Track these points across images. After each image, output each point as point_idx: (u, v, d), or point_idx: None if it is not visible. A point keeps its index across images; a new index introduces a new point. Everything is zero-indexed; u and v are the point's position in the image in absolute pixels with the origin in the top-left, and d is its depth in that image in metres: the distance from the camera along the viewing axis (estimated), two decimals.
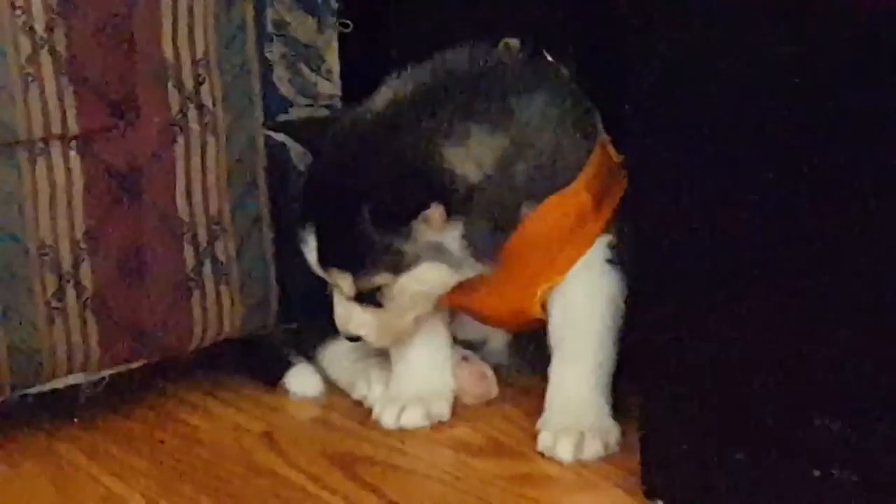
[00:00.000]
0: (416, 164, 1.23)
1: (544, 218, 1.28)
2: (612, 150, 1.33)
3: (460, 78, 1.29)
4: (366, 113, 1.29)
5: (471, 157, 1.24)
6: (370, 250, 1.24)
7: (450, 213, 1.23)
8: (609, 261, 1.31)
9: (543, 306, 1.33)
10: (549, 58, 1.34)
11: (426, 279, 1.26)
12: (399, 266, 1.25)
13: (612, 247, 1.31)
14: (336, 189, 1.26)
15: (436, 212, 1.22)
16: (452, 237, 1.25)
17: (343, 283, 1.27)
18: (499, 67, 1.31)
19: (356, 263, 1.25)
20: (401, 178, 1.22)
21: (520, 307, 1.34)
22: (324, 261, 1.27)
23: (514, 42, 1.35)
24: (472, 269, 1.27)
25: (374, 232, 1.23)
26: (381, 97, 1.30)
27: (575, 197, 1.29)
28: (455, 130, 1.24)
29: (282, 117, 1.45)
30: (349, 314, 1.30)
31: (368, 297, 1.28)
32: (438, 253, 1.25)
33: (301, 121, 1.42)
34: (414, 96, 1.27)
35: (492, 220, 1.26)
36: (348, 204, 1.24)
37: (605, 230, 1.31)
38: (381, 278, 1.26)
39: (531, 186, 1.27)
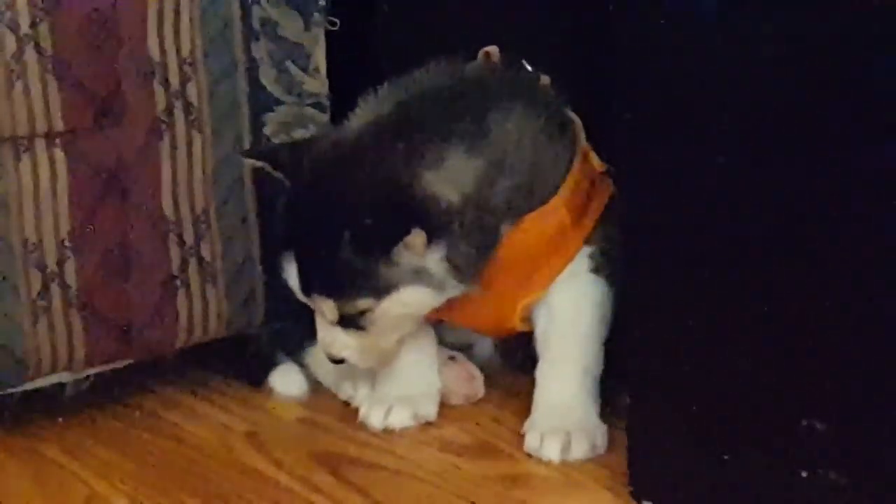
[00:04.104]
0: (396, 189, 1.22)
1: (523, 236, 1.28)
2: (594, 158, 1.33)
3: (436, 97, 1.28)
4: (343, 137, 1.28)
5: (449, 179, 1.24)
6: (352, 276, 1.24)
7: (431, 238, 1.23)
8: (593, 270, 1.31)
9: (524, 319, 1.33)
10: (528, 66, 1.34)
11: (409, 302, 1.26)
12: (381, 290, 1.25)
13: (594, 257, 1.31)
14: (316, 216, 1.25)
15: (417, 237, 1.22)
16: (434, 260, 1.24)
17: (326, 309, 1.27)
18: (475, 84, 1.30)
19: (338, 289, 1.25)
20: (381, 204, 1.22)
21: (500, 321, 1.34)
22: (306, 287, 1.27)
23: (494, 50, 1.35)
24: (454, 290, 1.26)
25: (355, 259, 1.23)
26: (358, 119, 1.29)
27: (553, 214, 1.29)
28: (432, 153, 1.24)
29: (268, 116, 1.45)
30: (332, 338, 1.30)
31: (351, 321, 1.28)
32: (421, 276, 1.24)
33: (278, 146, 1.41)
34: (390, 118, 1.27)
35: (473, 240, 1.25)
36: (329, 231, 1.23)
37: (587, 242, 1.31)
38: (363, 303, 1.26)
39: (510, 206, 1.27)
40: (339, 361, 1.32)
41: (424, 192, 1.23)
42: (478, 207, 1.25)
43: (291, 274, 1.27)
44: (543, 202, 1.28)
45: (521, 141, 1.28)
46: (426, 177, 1.23)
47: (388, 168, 1.23)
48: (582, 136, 1.33)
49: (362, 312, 1.26)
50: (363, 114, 1.30)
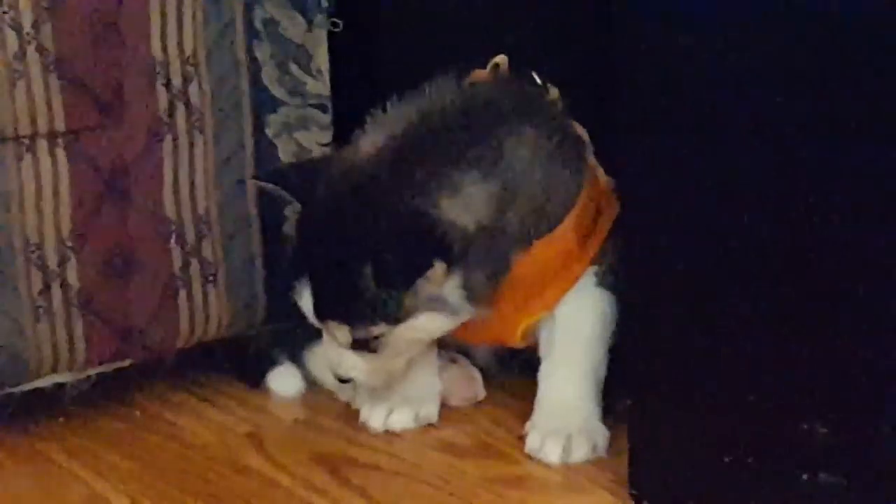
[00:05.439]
0: (416, 220, 1.22)
1: (531, 262, 1.27)
2: (601, 175, 1.32)
3: (449, 119, 1.27)
4: (356, 160, 1.27)
5: (465, 206, 1.23)
6: (370, 305, 1.23)
7: (450, 268, 1.23)
8: (598, 285, 1.31)
9: (525, 336, 1.33)
10: (537, 78, 1.33)
11: (424, 328, 1.26)
12: (398, 318, 1.25)
13: (599, 273, 1.31)
14: (333, 244, 1.24)
15: (438, 270, 1.22)
16: (451, 288, 1.24)
17: (339, 334, 1.27)
18: (487, 104, 1.29)
19: (355, 317, 1.25)
20: (403, 236, 1.21)
21: (501, 338, 1.35)
22: (320, 313, 1.27)
23: (503, 60, 1.34)
24: (468, 315, 1.27)
25: (375, 289, 1.22)
26: (369, 140, 1.28)
27: (561, 240, 1.28)
28: (449, 180, 1.23)
29: (270, 117, 1.45)
30: (342, 359, 1.30)
31: (363, 344, 1.28)
32: (437, 303, 1.24)
33: (288, 168, 1.40)
34: (404, 141, 1.26)
35: (487, 267, 1.25)
36: (348, 260, 1.23)
37: (593, 261, 1.30)
38: (378, 329, 1.26)
39: (522, 232, 1.27)
40: (346, 381, 1.32)
41: (443, 222, 1.22)
42: (492, 234, 1.25)
43: (305, 298, 1.27)
44: (553, 228, 1.28)
45: (534, 167, 1.27)
46: (444, 205, 1.23)
47: (407, 197, 1.22)
48: (590, 153, 1.32)
49: (375, 337, 1.27)
50: (374, 134, 1.28)
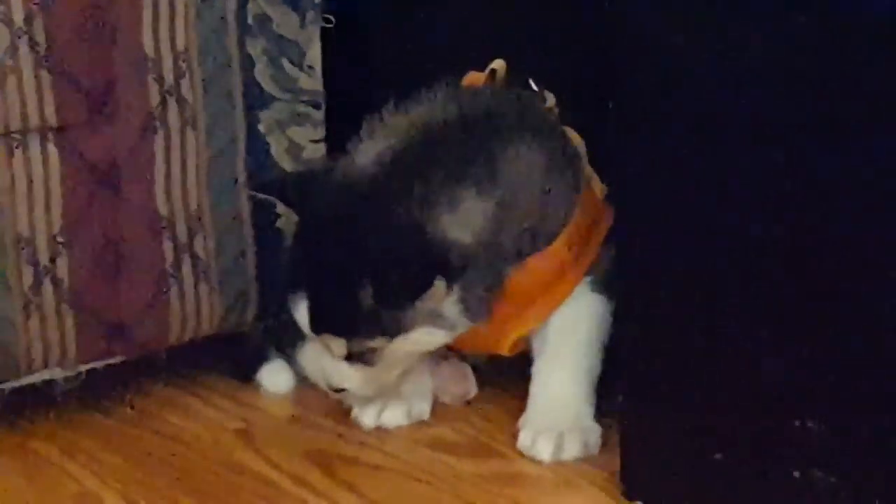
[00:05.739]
0: (418, 238, 1.22)
1: (526, 276, 1.28)
2: (596, 185, 1.32)
3: (447, 131, 1.27)
4: (354, 173, 1.26)
5: (463, 222, 1.23)
6: (368, 320, 1.24)
7: (449, 285, 1.23)
8: (593, 291, 1.31)
9: (515, 346, 1.33)
10: (534, 85, 1.33)
11: (421, 341, 1.27)
12: (395, 332, 1.25)
13: (595, 281, 1.31)
14: (332, 258, 1.24)
15: (439, 287, 1.22)
16: (450, 303, 1.24)
17: (335, 346, 1.27)
18: (485, 117, 1.29)
19: (352, 331, 1.25)
20: (404, 255, 1.21)
21: (491, 348, 1.35)
22: (317, 326, 1.26)
23: (501, 65, 1.34)
24: (465, 328, 1.27)
25: (375, 306, 1.22)
26: (367, 151, 1.27)
27: (556, 254, 1.28)
28: (447, 196, 1.23)
29: (263, 113, 1.44)
30: (336, 370, 1.30)
31: (359, 357, 1.28)
32: (435, 318, 1.25)
33: (285, 178, 1.40)
34: (403, 154, 1.25)
35: (484, 282, 1.25)
36: (347, 276, 1.23)
37: (588, 272, 1.30)
38: (375, 343, 1.26)
39: (518, 247, 1.27)
40: (339, 391, 1.32)
41: (443, 239, 1.22)
42: (489, 249, 1.25)
43: (301, 310, 1.26)
44: (549, 242, 1.28)
45: (530, 181, 1.27)
46: (443, 221, 1.23)
47: (407, 213, 1.22)
48: (586, 162, 1.32)
49: (371, 350, 1.27)
50: (371, 145, 1.28)
